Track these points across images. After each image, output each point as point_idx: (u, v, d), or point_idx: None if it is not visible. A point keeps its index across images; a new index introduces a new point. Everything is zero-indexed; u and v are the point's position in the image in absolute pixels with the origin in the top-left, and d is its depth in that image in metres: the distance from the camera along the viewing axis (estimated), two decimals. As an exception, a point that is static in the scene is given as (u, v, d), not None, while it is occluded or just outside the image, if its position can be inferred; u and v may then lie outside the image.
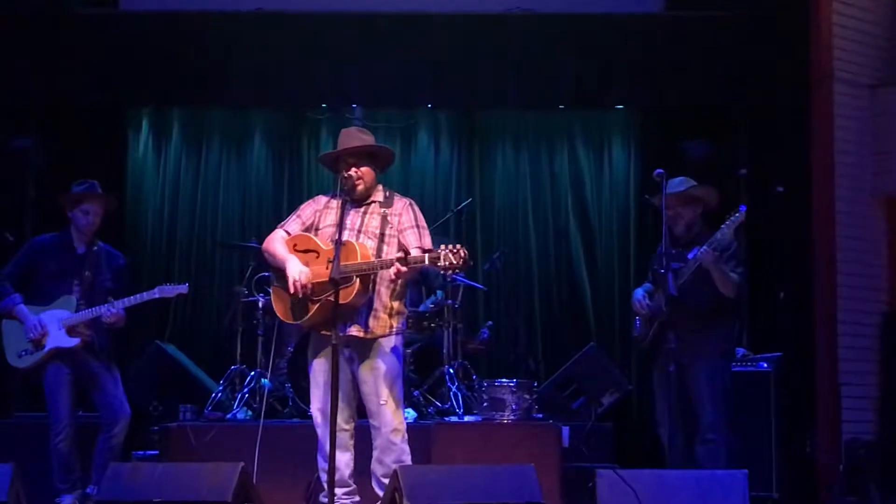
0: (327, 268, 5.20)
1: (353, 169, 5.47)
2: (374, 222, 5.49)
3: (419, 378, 7.51)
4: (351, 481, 5.53)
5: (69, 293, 6.32)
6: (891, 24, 8.14)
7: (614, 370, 8.01)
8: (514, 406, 6.79)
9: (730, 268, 6.13)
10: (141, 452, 7.09)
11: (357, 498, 5.56)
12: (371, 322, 5.41)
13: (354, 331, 5.39)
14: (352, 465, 5.52)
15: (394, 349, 5.51)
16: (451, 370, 7.44)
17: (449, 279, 7.40)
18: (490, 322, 8.38)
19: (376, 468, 5.46)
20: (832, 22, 7.74)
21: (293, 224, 5.61)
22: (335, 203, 5.54)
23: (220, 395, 7.40)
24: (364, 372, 5.45)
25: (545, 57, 8.37)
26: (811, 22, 7.81)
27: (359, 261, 5.25)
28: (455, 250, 4.99)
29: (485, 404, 6.89)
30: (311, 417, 5.59)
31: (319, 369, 5.49)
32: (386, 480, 5.34)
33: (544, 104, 8.89)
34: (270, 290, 5.71)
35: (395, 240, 5.47)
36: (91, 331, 6.32)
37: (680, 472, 5.70)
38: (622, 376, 8.02)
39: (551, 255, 9.30)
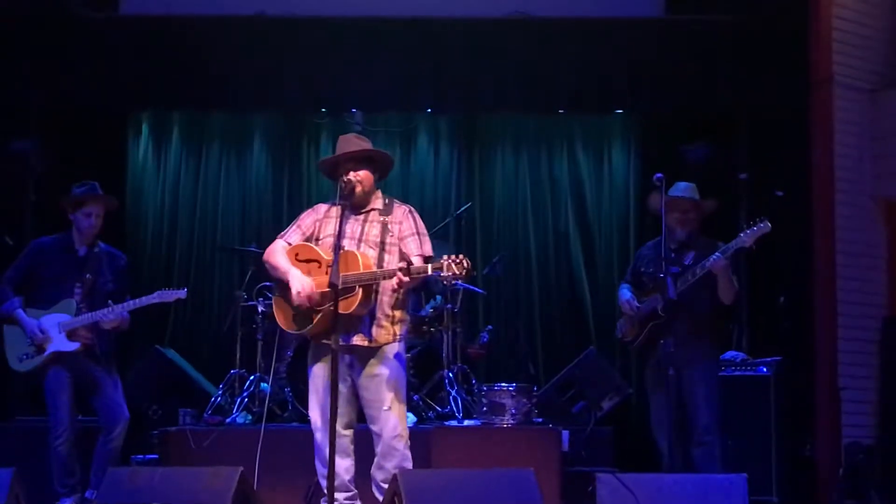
0: (327, 276, 5.20)
1: (352, 173, 5.48)
2: (374, 231, 5.49)
3: (419, 382, 7.52)
4: (352, 486, 5.52)
5: (70, 296, 6.33)
6: (890, 28, 8.16)
7: (614, 374, 8.01)
8: (513, 410, 6.79)
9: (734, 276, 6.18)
10: (140, 457, 7.09)
11: (358, 502, 5.56)
12: (374, 331, 5.42)
13: (358, 340, 5.39)
14: (352, 470, 5.52)
15: (397, 355, 5.50)
16: (451, 374, 7.45)
17: (450, 285, 7.40)
18: (490, 326, 8.38)
19: (376, 473, 5.46)
20: (832, 26, 7.76)
21: (293, 234, 5.60)
22: (335, 211, 5.53)
23: (219, 399, 7.40)
24: (365, 378, 5.44)
25: (545, 61, 8.36)
26: (811, 26, 7.83)
27: (361, 270, 5.26)
28: (458, 260, 5.00)
29: (484, 408, 6.89)
30: (310, 421, 5.58)
31: (319, 375, 5.48)
32: (385, 485, 5.34)
33: (544, 108, 8.88)
34: (272, 300, 5.70)
35: (396, 248, 5.47)
36: (92, 334, 6.32)
37: (680, 476, 5.70)
38: (622, 380, 8.02)
39: (551, 260, 9.30)
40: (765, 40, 8.05)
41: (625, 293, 6.51)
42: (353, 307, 5.23)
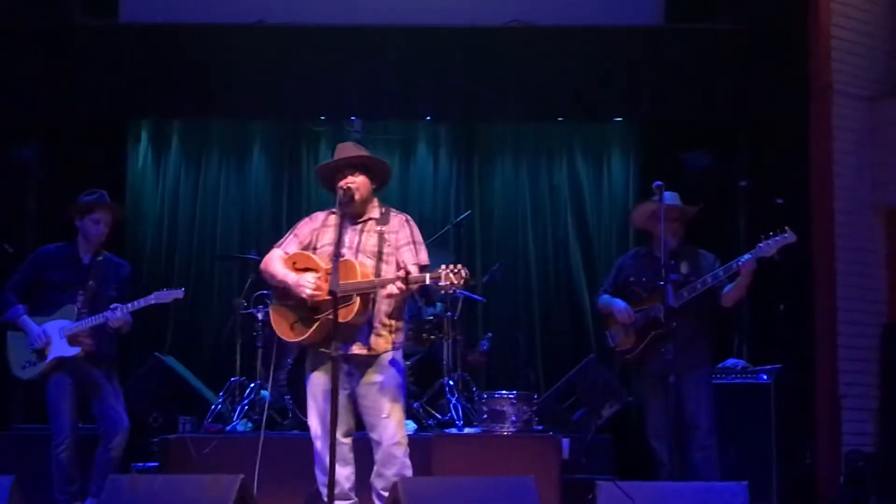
0: (327, 284, 5.20)
1: (350, 178, 5.48)
2: (371, 241, 5.49)
3: (419, 390, 7.52)
4: (352, 494, 5.51)
5: (73, 301, 6.33)
6: (889, 37, 8.18)
7: (614, 382, 8.00)
8: (513, 418, 6.79)
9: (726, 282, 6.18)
10: (140, 464, 7.09)
11: (358, 510, 5.56)
12: (372, 339, 5.42)
13: (356, 349, 5.39)
14: (353, 478, 5.51)
15: (394, 363, 5.51)
16: (451, 382, 7.45)
17: (448, 294, 7.40)
18: (490, 334, 8.38)
19: (376, 481, 5.45)
20: (831, 35, 7.79)
21: (290, 244, 5.60)
22: (332, 220, 5.53)
23: (219, 406, 7.40)
24: (364, 387, 5.44)
25: (544, 69, 8.38)
26: (810, 34, 7.85)
27: (359, 279, 5.26)
28: (456, 270, 5.02)
29: (485, 416, 6.89)
30: (309, 430, 5.57)
31: (317, 383, 5.48)
32: (386, 493, 5.33)
33: (543, 116, 8.89)
34: (269, 309, 5.70)
35: (393, 258, 5.47)
36: (93, 340, 6.32)
37: (680, 483, 5.71)
38: (622, 388, 8.01)
39: (551, 267, 9.30)
40: (764, 49, 8.07)
41: (619, 303, 6.47)
42: (351, 316, 5.23)
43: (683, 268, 6.30)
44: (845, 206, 7.73)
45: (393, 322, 5.49)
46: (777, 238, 6.00)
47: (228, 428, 7.14)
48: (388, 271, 5.39)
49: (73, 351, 6.27)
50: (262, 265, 5.59)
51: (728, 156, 8.44)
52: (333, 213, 5.57)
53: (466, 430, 7.06)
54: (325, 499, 5.11)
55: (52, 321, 6.30)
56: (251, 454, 5.93)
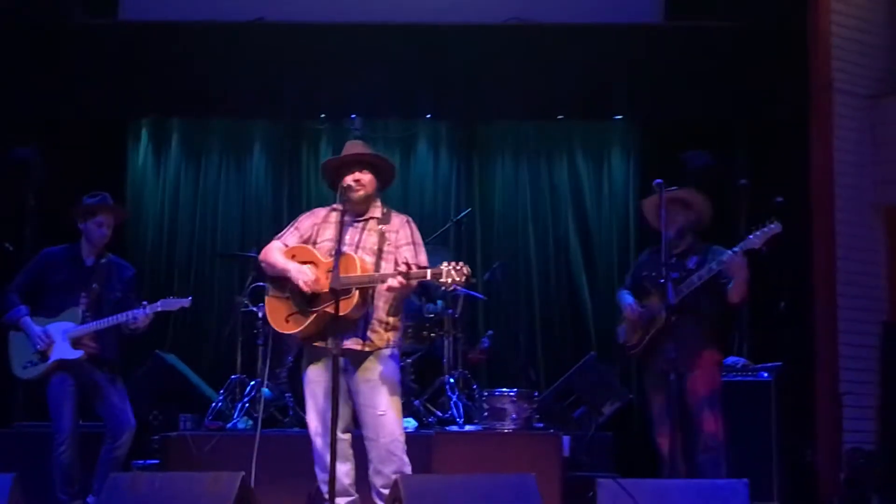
0: (326, 278, 5.21)
1: (356, 174, 5.49)
2: (371, 238, 5.49)
3: (420, 387, 7.52)
4: (353, 490, 5.51)
5: (76, 305, 6.33)
6: (889, 36, 8.18)
7: (615, 380, 8.00)
8: (514, 415, 6.79)
9: None
10: (141, 462, 7.08)
11: (360, 507, 5.56)
12: (368, 335, 5.41)
13: (352, 343, 5.38)
14: (353, 474, 5.51)
15: (390, 360, 5.49)
16: (452, 380, 7.45)
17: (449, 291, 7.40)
18: (490, 331, 8.37)
19: (375, 479, 5.44)
20: (831, 33, 7.81)
21: (291, 236, 5.61)
22: (333, 217, 5.55)
23: (220, 404, 7.40)
24: (359, 383, 5.43)
25: (545, 68, 8.38)
26: (810, 33, 7.86)
27: (359, 273, 5.26)
28: (458, 267, 5.02)
29: (485, 414, 6.89)
30: (308, 427, 5.56)
31: (315, 380, 5.47)
32: (385, 491, 5.33)
33: (543, 115, 8.91)
34: (265, 300, 5.69)
35: (393, 257, 5.47)
36: (97, 343, 6.33)
37: (681, 481, 5.70)
38: (622, 386, 8.02)
39: (551, 265, 9.30)
40: (764, 47, 8.07)
41: (627, 298, 6.49)
42: (350, 309, 5.23)
43: (690, 263, 6.26)
44: (845, 205, 7.74)
45: (391, 319, 5.48)
46: (764, 229, 5.98)
47: (229, 426, 7.13)
48: (387, 269, 5.39)
49: (76, 354, 6.27)
50: (262, 255, 5.59)
51: (728, 154, 8.44)
52: (335, 209, 5.58)
53: (467, 428, 7.07)
54: (326, 496, 5.12)
55: (56, 323, 6.30)
56: (251, 451, 5.93)
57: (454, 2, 8.53)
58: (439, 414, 7.36)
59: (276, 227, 8.33)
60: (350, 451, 5.51)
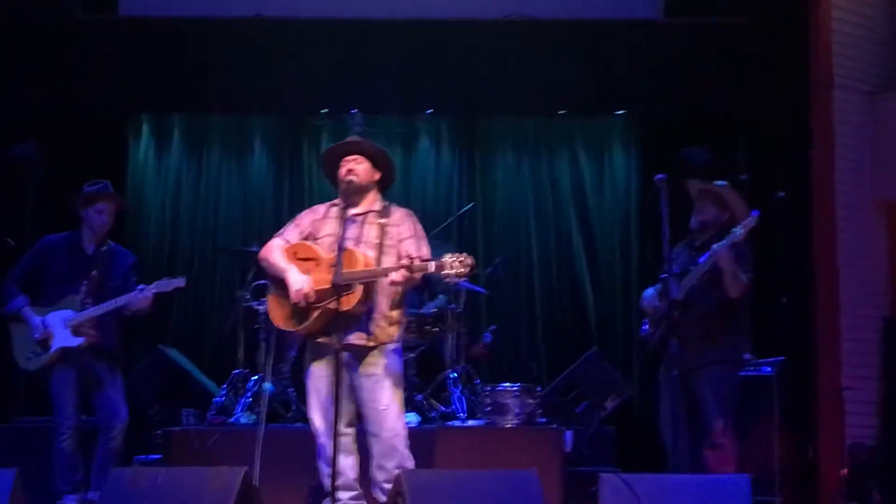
0: (329, 273, 5.21)
1: (353, 163, 5.50)
2: (372, 233, 5.49)
3: (422, 382, 7.52)
4: (357, 485, 5.52)
5: (75, 293, 6.33)
6: (890, 31, 8.18)
7: (617, 374, 8.01)
8: (517, 410, 6.80)
9: (741, 269, 6.14)
10: (143, 457, 7.09)
11: (364, 502, 5.55)
12: (372, 330, 5.42)
13: (355, 339, 5.39)
14: (357, 469, 5.52)
15: (393, 355, 5.51)
16: (455, 374, 7.45)
17: (452, 285, 7.40)
18: (493, 326, 8.38)
19: (377, 474, 5.44)
20: (832, 28, 7.79)
21: (291, 233, 5.61)
22: (333, 212, 5.55)
23: (222, 399, 7.39)
24: (362, 378, 5.44)
25: (545, 63, 8.38)
26: (811, 29, 7.86)
27: (361, 268, 5.26)
28: (461, 259, 5.02)
29: (488, 409, 6.90)
30: (310, 422, 5.56)
31: (319, 375, 5.48)
32: (388, 485, 5.33)
33: (544, 110, 8.88)
34: (267, 298, 5.70)
35: (395, 250, 5.47)
36: (97, 331, 6.32)
37: (683, 476, 5.70)
38: (624, 381, 8.03)
39: (553, 261, 9.31)
40: (765, 43, 8.07)
41: (647, 291, 6.51)
42: (353, 305, 5.23)
43: (702, 258, 6.24)
44: (846, 200, 7.73)
45: (393, 314, 5.49)
46: (745, 222, 6.00)
47: (231, 420, 7.13)
48: (389, 263, 5.39)
49: (77, 341, 6.27)
50: (262, 253, 5.60)
51: (729, 150, 8.42)
52: (335, 205, 5.59)
53: (469, 423, 7.07)
54: (330, 489, 5.12)
55: (54, 312, 6.30)
56: (254, 447, 5.93)
57: (455, -3, 8.54)
58: (442, 409, 7.37)
59: (277, 223, 8.35)
60: (354, 446, 5.52)
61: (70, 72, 8.22)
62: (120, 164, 9.00)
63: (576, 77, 8.42)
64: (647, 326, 6.48)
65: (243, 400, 7.27)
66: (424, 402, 7.34)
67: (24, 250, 6.83)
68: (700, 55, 8.29)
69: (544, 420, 7.01)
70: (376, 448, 5.43)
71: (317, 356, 5.50)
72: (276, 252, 5.52)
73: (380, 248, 5.45)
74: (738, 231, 6.00)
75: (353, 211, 5.52)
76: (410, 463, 5.44)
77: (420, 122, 9.42)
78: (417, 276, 5.20)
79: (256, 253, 6.76)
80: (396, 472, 5.26)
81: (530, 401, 6.85)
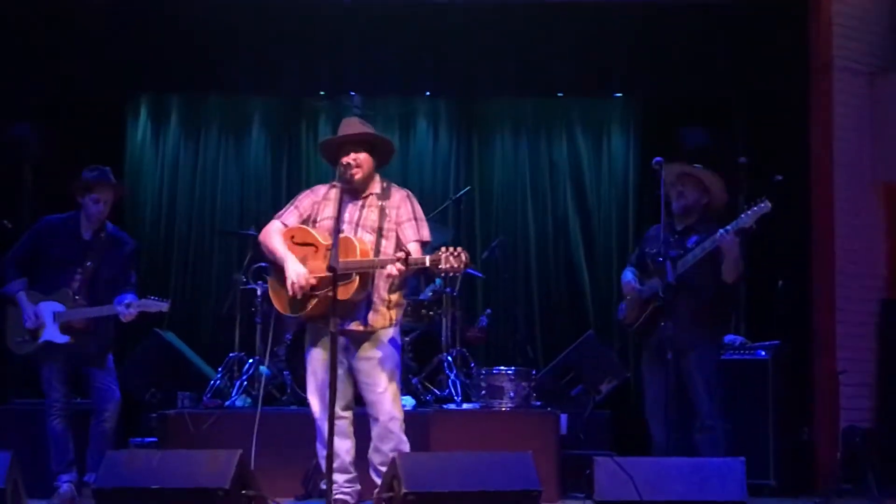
0: (327, 261, 5.20)
1: (353, 154, 5.48)
2: (371, 216, 5.50)
3: (418, 366, 7.52)
4: (352, 468, 5.55)
5: (70, 281, 6.32)
6: (890, 12, 8.14)
7: (612, 358, 8.01)
8: (512, 394, 6.81)
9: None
10: (139, 440, 7.11)
11: (358, 486, 5.59)
12: (371, 316, 5.44)
13: (355, 326, 5.42)
14: (353, 452, 5.55)
15: (392, 339, 5.53)
16: (450, 358, 7.45)
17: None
18: (489, 310, 8.38)
19: (373, 457, 5.48)
20: (832, 10, 7.75)
21: (291, 216, 5.60)
22: (333, 194, 5.55)
23: (218, 382, 7.40)
24: (361, 362, 5.47)
25: (543, 45, 8.33)
26: (811, 10, 7.82)
27: (358, 257, 5.26)
28: (456, 253, 5.04)
29: (483, 392, 6.90)
30: (309, 404, 5.59)
31: (317, 358, 5.50)
32: (383, 468, 5.35)
33: (543, 92, 8.86)
34: (268, 282, 5.71)
35: (394, 234, 5.48)
36: (85, 327, 6.31)
37: (677, 459, 5.72)
38: (620, 364, 8.02)
39: (550, 243, 9.29)
40: (764, 24, 8.02)
41: (626, 275, 6.50)
42: (350, 294, 5.25)
43: (690, 242, 6.25)
44: (845, 182, 7.71)
45: (392, 297, 5.50)
46: (755, 208, 5.98)
47: (227, 403, 7.14)
48: (388, 247, 5.41)
49: (63, 339, 6.27)
50: (261, 237, 5.60)
51: (727, 131, 8.40)
52: (335, 186, 5.58)
53: (465, 406, 7.08)
54: (325, 472, 5.13)
55: (47, 302, 6.30)
56: (250, 430, 5.95)
57: (453, -21, 8.48)
58: (437, 392, 7.37)
59: (275, 204, 8.39)
60: (350, 429, 5.55)
61: (68, 51, 8.18)
62: (117, 145, 8.96)
63: (574, 59, 8.36)
64: (624, 309, 6.48)
65: (239, 383, 7.28)
66: (420, 385, 7.35)
67: (22, 232, 6.80)
68: (699, 37, 8.24)
69: (539, 403, 7.01)
70: (374, 431, 5.46)
71: (316, 340, 5.52)
72: (274, 237, 5.52)
73: (379, 231, 5.45)
74: (747, 217, 5.98)
75: (353, 193, 5.52)
76: (406, 446, 5.48)
77: (418, 103, 9.40)
78: (412, 269, 5.21)
79: (254, 235, 6.78)
80: (392, 455, 5.29)
81: (525, 384, 6.85)
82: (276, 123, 9.46)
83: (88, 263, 6.38)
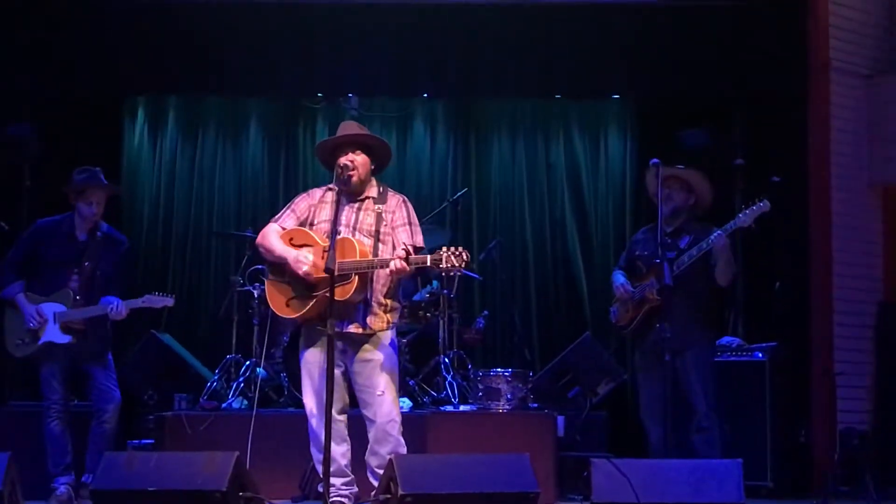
0: (325, 262, 5.20)
1: (350, 155, 5.48)
2: (368, 219, 5.49)
3: (415, 367, 7.52)
4: (348, 471, 5.54)
5: (68, 282, 6.32)
6: (887, 14, 8.16)
7: (609, 360, 8.00)
8: (509, 395, 6.81)
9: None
10: (136, 441, 7.11)
11: (355, 488, 5.57)
12: (369, 319, 5.43)
13: (353, 328, 5.40)
14: (349, 455, 5.53)
15: (390, 342, 5.53)
16: (447, 360, 7.45)
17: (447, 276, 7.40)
18: (486, 311, 8.37)
19: (371, 459, 5.47)
20: (829, 12, 7.76)
21: (287, 219, 5.60)
22: (330, 197, 5.55)
23: (215, 384, 7.39)
24: (359, 364, 5.46)
25: (541, 46, 8.33)
26: (808, 11, 7.82)
27: (358, 258, 5.26)
28: (457, 252, 5.04)
29: (480, 394, 6.90)
30: (305, 408, 5.58)
31: (312, 361, 5.49)
32: (380, 471, 5.34)
33: (540, 93, 8.87)
34: (265, 284, 5.70)
35: (391, 237, 5.49)
36: (86, 326, 6.31)
37: (675, 461, 5.70)
38: (617, 366, 8.01)
39: (547, 245, 9.30)
40: (762, 25, 8.03)
41: (618, 278, 6.49)
42: (349, 294, 5.24)
43: (682, 243, 6.26)
44: (842, 184, 7.72)
45: (389, 301, 5.50)
46: (753, 207, 6.00)
47: (224, 405, 7.14)
48: (386, 251, 5.41)
49: (65, 339, 6.27)
50: (259, 239, 5.59)
51: (725, 133, 8.40)
52: (331, 189, 5.58)
53: (462, 408, 7.08)
54: (321, 476, 5.13)
55: (47, 304, 6.30)
56: (246, 431, 5.95)
57: (450, -20, 8.48)
58: (434, 394, 7.37)
59: (272, 206, 8.39)
60: (346, 432, 5.53)
61: (66, 53, 8.17)
62: (115, 146, 8.98)
63: (572, 60, 8.36)
64: (616, 312, 6.48)
65: (236, 385, 7.27)
66: (417, 387, 7.34)
67: (20, 233, 6.80)
68: (697, 38, 8.24)
69: (536, 405, 7.01)
70: (371, 433, 5.45)
71: (311, 342, 5.51)
72: (272, 237, 5.52)
73: (376, 235, 5.45)
74: (745, 216, 5.99)
75: (349, 196, 5.52)
76: (403, 449, 5.47)
77: (416, 105, 9.41)
78: (412, 267, 5.20)
79: (251, 237, 6.77)
80: (389, 457, 5.27)
81: (522, 386, 6.85)
82: (273, 125, 9.46)
83: (86, 263, 6.38)
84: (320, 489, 5.36)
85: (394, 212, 5.55)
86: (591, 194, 9.31)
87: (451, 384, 7.30)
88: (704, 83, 8.27)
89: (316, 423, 5.43)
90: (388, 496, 5.06)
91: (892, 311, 7.77)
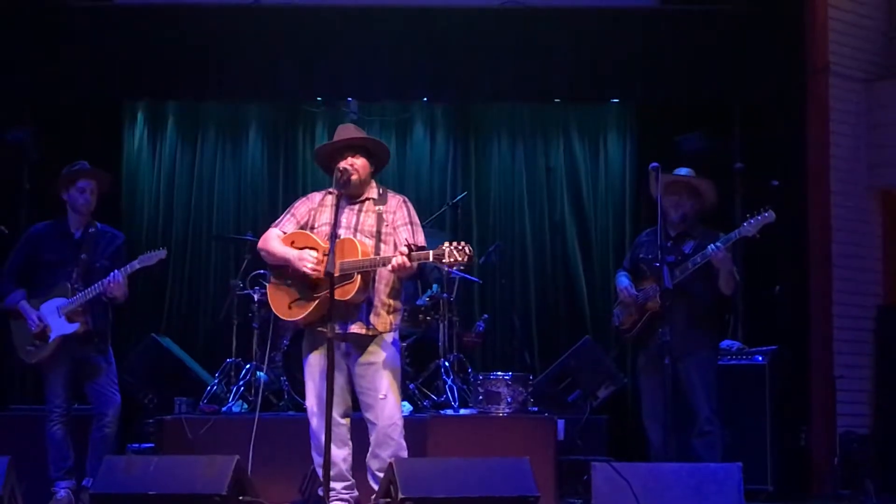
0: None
1: (350, 159, 5.48)
2: (369, 221, 5.50)
3: (415, 371, 7.50)
4: (349, 475, 5.53)
5: (67, 280, 6.32)
6: (886, 18, 8.18)
7: (609, 363, 8.00)
8: (509, 399, 6.80)
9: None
10: (136, 445, 7.10)
11: (356, 492, 5.57)
12: (372, 319, 5.42)
13: (356, 328, 5.40)
14: (350, 459, 5.53)
15: (392, 343, 5.52)
16: (447, 363, 7.44)
17: (450, 271, 7.39)
18: (486, 315, 8.37)
19: (372, 462, 5.47)
20: (828, 16, 7.79)
21: (288, 223, 5.60)
22: (329, 200, 5.55)
23: (215, 387, 7.39)
24: (361, 366, 5.45)
25: (541, 50, 8.35)
26: (807, 16, 7.85)
27: (360, 257, 5.26)
28: (459, 247, 5.02)
29: (480, 397, 6.89)
30: (306, 410, 5.59)
31: (315, 364, 5.48)
32: (381, 474, 5.34)
33: (540, 97, 8.87)
34: (266, 288, 5.69)
35: (392, 238, 5.49)
36: (88, 316, 6.31)
37: (675, 464, 5.71)
38: (617, 369, 8.02)
39: (547, 249, 9.30)
40: (761, 29, 8.06)
41: (622, 280, 6.49)
42: (352, 294, 5.23)
43: (686, 248, 6.26)
44: (841, 188, 7.75)
45: (391, 302, 5.50)
46: (758, 217, 6.00)
47: (224, 409, 7.13)
48: (387, 251, 5.41)
49: (73, 327, 6.25)
50: (260, 244, 5.59)
51: (724, 137, 8.42)
52: (330, 192, 5.57)
53: (462, 412, 7.06)
54: (322, 479, 5.13)
55: (48, 302, 6.29)
56: (247, 435, 5.95)
57: (450, -16, 8.51)
58: (434, 398, 7.36)
59: (272, 210, 8.41)
60: (348, 436, 5.53)
61: (66, 57, 8.20)
62: (115, 150, 8.98)
63: (571, 64, 8.39)
64: (619, 315, 6.48)
65: (236, 388, 7.27)
66: (417, 390, 7.34)
67: (19, 237, 6.80)
68: (695, 42, 8.26)
69: (536, 409, 7.01)
70: (373, 436, 5.45)
71: (314, 345, 5.50)
72: (273, 241, 5.52)
73: (378, 236, 5.45)
74: (749, 226, 5.99)
75: (349, 199, 5.52)
76: (404, 453, 5.46)
77: (415, 109, 9.41)
78: (416, 263, 5.20)
79: (251, 241, 6.77)
80: (390, 460, 5.27)
81: (522, 390, 6.84)
82: (273, 129, 9.47)
83: (83, 256, 6.37)
84: (320, 493, 5.36)
85: (394, 212, 5.55)
86: (590, 198, 9.32)
87: (451, 388, 7.29)
88: (703, 87, 8.29)
89: (317, 426, 5.43)
90: (388, 500, 5.06)
91: (891, 314, 7.78)
